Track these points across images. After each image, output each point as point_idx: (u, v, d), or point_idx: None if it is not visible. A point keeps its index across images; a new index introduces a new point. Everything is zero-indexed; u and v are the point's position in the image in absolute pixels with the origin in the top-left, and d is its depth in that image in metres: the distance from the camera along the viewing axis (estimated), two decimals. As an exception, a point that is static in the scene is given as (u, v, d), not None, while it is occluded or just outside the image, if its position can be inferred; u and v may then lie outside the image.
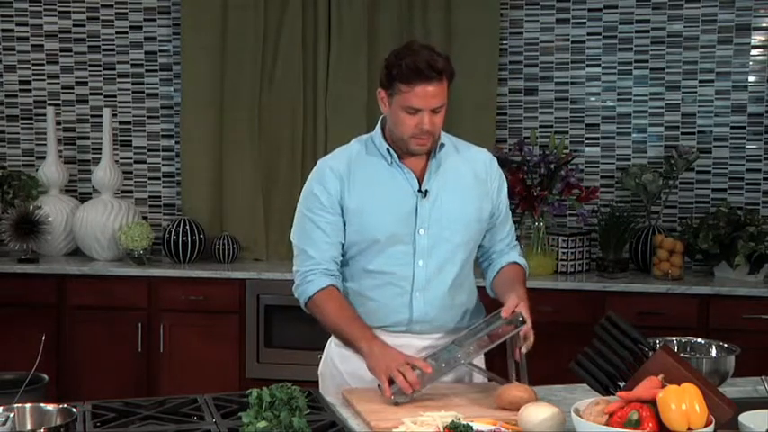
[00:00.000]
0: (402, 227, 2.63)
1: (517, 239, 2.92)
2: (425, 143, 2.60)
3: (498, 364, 2.75)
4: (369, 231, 2.64)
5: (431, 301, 2.66)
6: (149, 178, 5.26)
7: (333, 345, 2.78)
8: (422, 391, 2.44)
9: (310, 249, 2.68)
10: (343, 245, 2.68)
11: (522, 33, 4.98)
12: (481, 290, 2.84)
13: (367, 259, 2.66)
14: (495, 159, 2.81)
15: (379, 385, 2.50)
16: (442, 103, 2.57)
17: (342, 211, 2.65)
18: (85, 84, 5.23)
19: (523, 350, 2.52)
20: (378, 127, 2.71)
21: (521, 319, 2.50)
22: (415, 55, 2.54)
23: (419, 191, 2.64)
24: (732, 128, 4.85)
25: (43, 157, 5.12)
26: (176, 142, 5.20)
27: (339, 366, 2.73)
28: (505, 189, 2.80)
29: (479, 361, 2.67)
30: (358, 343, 2.56)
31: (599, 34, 4.93)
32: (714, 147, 4.87)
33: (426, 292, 2.65)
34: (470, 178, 2.70)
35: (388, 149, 2.65)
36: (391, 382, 2.43)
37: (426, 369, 2.44)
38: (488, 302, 2.81)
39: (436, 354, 2.53)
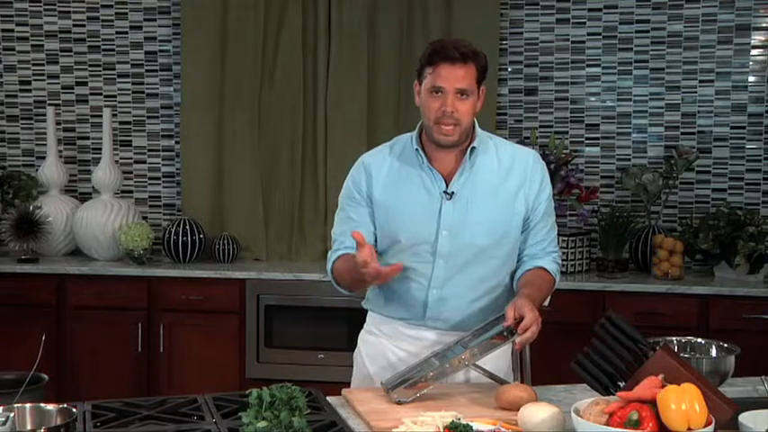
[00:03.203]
0: (425, 228, 2.65)
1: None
2: (450, 131, 2.59)
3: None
4: (393, 231, 2.68)
5: (447, 299, 2.67)
6: (149, 178, 5.26)
7: (363, 332, 2.87)
8: (425, 391, 2.44)
9: (342, 237, 2.73)
10: (375, 235, 2.71)
11: (522, 33, 4.98)
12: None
13: (391, 254, 2.71)
14: (542, 161, 2.77)
15: (382, 382, 2.51)
16: (468, 87, 2.57)
17: (371, 202, 2.71)
18: (85, 84, 5.23)
19: (515, 340, 2.46)
20: (417, 126, 2.74)
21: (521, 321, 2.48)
22: (444, 40, 2.64)
23: (445, 192, 2.65)
24: (732, 128, 4.85)
25: (43, 157, 5.12)
26: (176, 142, 5.20)
27: (362, 353, 2.83)
28: (548, 191, 2.75)
29: (480, 361, 2.67)
30: (356, 272, 2.57)
31: (599, 34, 4.93)
32: (714, 147, 4.87)
33: (443, 289, 2.67)
34: (504, 181, 2.68)
35: (417, 150, 2.68)
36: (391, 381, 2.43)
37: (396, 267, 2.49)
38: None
39: (441, 354, 2.53)
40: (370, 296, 2.84)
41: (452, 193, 2.65)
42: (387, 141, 2.81)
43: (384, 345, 2.77)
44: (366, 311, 2.87)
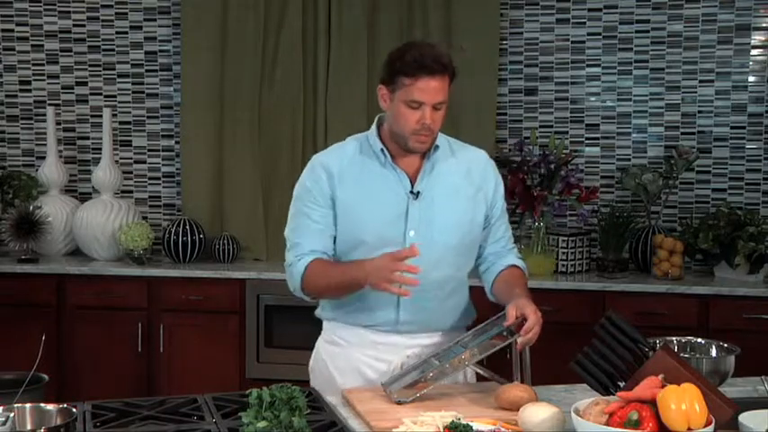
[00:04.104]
0: (392, 228, 2.62)
1: (515, 240, 2.91)
2: (425, 140, 2.59)
3: (498, 365, 2.75)
4: (357, 232, 2.63)
5: (418, 302, 2.64)
6: (149, 178, 5.26)
7: (322, 342, 2.80)
8: (425, 391, 2.44)
9: (299, 239, 2.67)
10: (335, 239, 2.66)
11: (522, 33, 4.98)
12: (476, 290, 2.83)
13: (353, 257, 2.65)
14: (492, 160, 2.79)
15: (382, 383, 2.50)
16: (444, 99, 2.57)
17: (333, 204, 2.64)
18: (85, 84, 5.23)
19: (518, 340, 2.47)
20: (374, 126, 2.70)
21: (523, 323, 2.47)
22: (420, 49, 2.55)
23: (411, 192, 2.63)
24: (732, 128, 4.85)
25: (43, 157, 5.12)
26: (176, 142, 5.20)
27: (327, 362, 2.75)
28: (502, 190, 2.78)
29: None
30: (353, 276, 2.55)
31: (599, 34, 4.93)
32: (714, 147, 4.87)
33: (414, 293, 2.63)
34: (464, 180, 2.69)
35: (382, 149, 2.64)
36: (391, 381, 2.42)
37: (413, 254, 2.42)
38: (486, 305, 2.81)
39: (441, 354, 2.53)
40: (327, 305, 2.76)
41: (418, 192, 2.63)
42: None
43: (353, 355, 2.69)
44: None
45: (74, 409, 2.11)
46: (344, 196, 2.63)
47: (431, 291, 2.65)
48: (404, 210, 2.63)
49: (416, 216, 2.62)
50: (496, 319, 2.55)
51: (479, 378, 2.69)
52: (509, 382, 2.50)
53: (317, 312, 2.81)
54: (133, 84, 5.22)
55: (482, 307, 2.86)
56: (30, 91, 5.25)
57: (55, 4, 5.19)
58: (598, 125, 4.97)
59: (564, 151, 4.79)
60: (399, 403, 2.40)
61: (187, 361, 4.66)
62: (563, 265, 4.70)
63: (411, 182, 2.64)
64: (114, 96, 5.22)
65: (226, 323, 4.67)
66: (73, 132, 5.26)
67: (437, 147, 2.65)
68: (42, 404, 2.12)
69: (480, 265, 2.82)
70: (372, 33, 4.92)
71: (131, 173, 5.24)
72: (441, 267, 2.65)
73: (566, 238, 4.70)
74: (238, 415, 2.12)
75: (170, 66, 5.18)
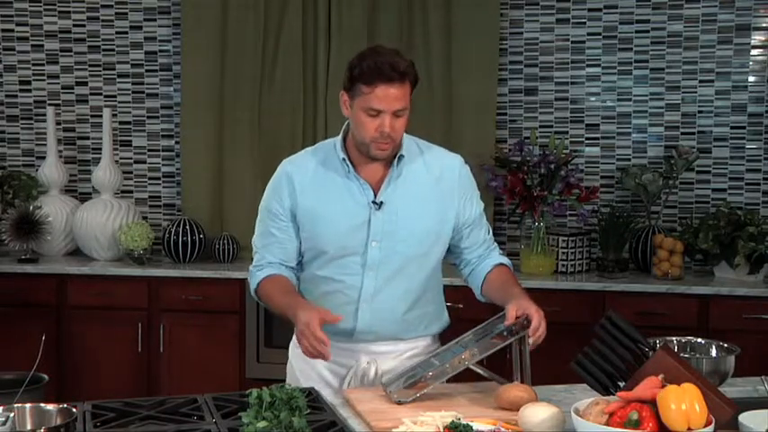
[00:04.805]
0: (353, 239, 2.60)
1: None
2: (386, 148, 2.55)
3: (498, 364, 2.75)
4: (319, 242, 2.63)
5: (377, 312, 2.64)
6: (149, 178, 5.26)
7: (292, 343, 2.80)
8: (425, 391, 2.43)
9: (261, 249, 2.73)
10: (299, 248, 2.69)
11: (522, 33, 4.98)
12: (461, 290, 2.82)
13: (318, 266, 2.67)
14: (467, 166, 2.75)
15: (382, 383, 2.51)
16: (405, 106, 2.52)
17: (294, 217, 2.65)
18: (85, 84, 5.23)
19: (530, 342, 2.48)
20: (341, 132, 2.67)
21: (525, 323, 2.48)
22: (378, 56, 2.51)
23: (374, 202, 2.60)
24: (732, 128, 4.85)
25: (43, 157, 5.12)
26: (176, 142, 5.20)
27: (293, 364, 2.80)
28: (477, 195, 2.75)
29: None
30: (289, 313, 2.56)
31: (599, 34, 4.93)
32: (714, 147, 4.87)
33: (373, 303, 2.63)
34: (433, 189, 2.65)
35: (344, 159, 2.61)
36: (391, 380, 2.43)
37: (335, 320, 2.45)
38: (476, 306, 2.81)
39: (440, 355, 2.53)
40: None
41: (381, 202, 2.60)
42: None
43: (311, 359, 2.64)
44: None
45: (74, 409, 2.10)
46: (306, 207, 2.63)
47: (393, 301, 2.64)
48: (365, 220, 2.60)
49: (379, 227, 2.60)
50: (496, 319, 2.55)
51: (479, 378, 2.68)
52: (509, 382, 2.50)
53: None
54: (133, 84, 5.22)
55: (479, 306, 2.86)
56: (30, 91, 5.25)
57: (55, 4, 5.19)
58: (598, 125, 4.97)
59: (564, 151, 4.79)
60: (399, 403, 2.40)
61: (187, 361, 4.66)
62: (563, 265, 4.70)
63: (374, 192, 2.61)
64: (114, 96, 5.22)
65: (226, 323, 4.67)
66: (73, 132, 5.26)
67: (401, 156, 2.61)
68: (42, 404, 2.12)
69: (464, 268, 2.80)
70: (372, 33, 4.91)
71: (131, 173, 5.24)
72: (403, 278, 2.64)
73: (566, 238, 4.70)
74: (238, 415, 2.12)
75: (170, 66, 5.18)
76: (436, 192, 2.65)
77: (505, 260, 2.78)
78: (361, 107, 2.52)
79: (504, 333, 2.48)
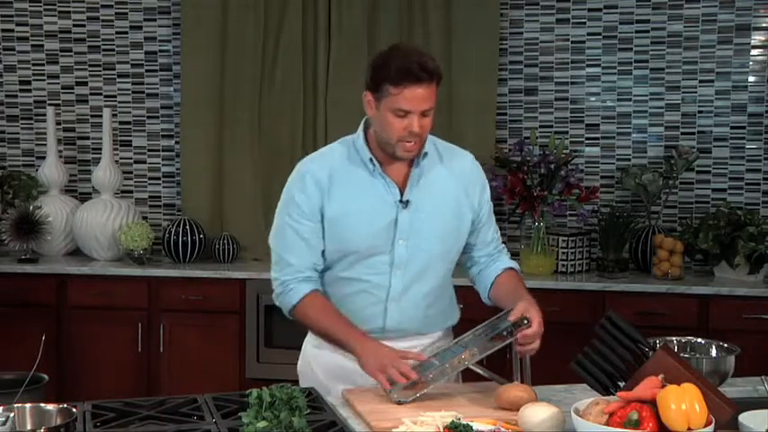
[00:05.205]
0: (381, 238, 2.60)
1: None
2: (413, 148, 2.55)
3: (498, 365, 2.75)
4: (347, 242, 2.61)
5: (405, 310, 2.64)
6: (149, 178, 5.26)
7: (308, 345, 2.78)
8: (425, 391, 2.43)
9: (290, 257, 2.64)
10: (323, 252, 2.64)
11: (522, 33, 4.98)
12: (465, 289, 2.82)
13: (343, 267, 2.64)
14: (478, 163, 2.76)
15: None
16: (432, 105, 2.52)
17: (321, 218, 2.61)
18: (85, 84, 5.23)
19: (525, 352, 2.50)
20: (360, 131, 2.66)
21: (525, 321, 2.48)
22: (405, 56, 2.50)
23: (400, 201, 2.60)
24: (732, 128, 4.85)
25: (43, 157, 5.12)
26: (176, 142, 5.20)
27: (314, 367, 2.74)
28: (488, 192, 2.77)
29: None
30: (348, 343, 2.54)
31: (599, 34, 4.93)
32: (714, 147, 4.87)
33: (401, 302, 2.64)
34: (452, 187, 2.66)
35: (371, 159, 2.61)
36: (391, 380, 2.43)
37: (419, 358, 2.44)
38: (477, 306, 2.81)
39: (440, 355, 2.52)
40: None
41: (407, 201, 2.60)
42: None
43: (338, 358, 2.64)
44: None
45: (74, 409, 2.10)
46: (334, 207, 2.60)
47: (418, 298, 2.65)
48: (393, 219, 2.60)
49: (406, 225, 2.60)
50: (496, 319, 2.55)
51: (479, 378, 2.68)
52: (509, 381, 2.50)
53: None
54: (133, 84, 5.22)
55: (480, 306, 2.86)
56: (30, 91, 5.25)
57: (55, 4, 5.19)
58: (598, 125, 4.97)
59: (564, 151, 4.79)
60: (399, 403, 2.40)
61: (187, 361, 4.66)
62: (563, 265, 4.70)
63: (400, 190, 2.62)
64: (114, 96, 5.22)
65: (226, 323, 4.67)
66: (73, 132, 5.26)
67: (426, 154, 2.62)
68: (42, 404, 2.12)
69: (471, 267, 2.80)
70: (372, 33, 4.92)
71: (131, 173, 5.24)
72: (428, 275, 2.65)
73: (566, 238, 4.70)
74: (238, 415, 2.12)
75: (170, 66, 5.18)
76: (455, 188, 2.67)
77: (515, 264, 2.78)
78: (388, 108, 2.51)
79: (504, 333, 2.48)
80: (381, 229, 2.60)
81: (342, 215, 2.60)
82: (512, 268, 2.76)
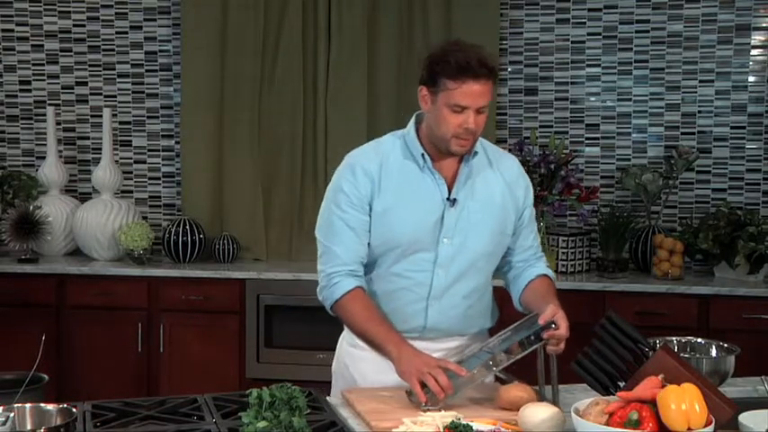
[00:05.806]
0: (426, 234, 2.58)
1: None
2: (467, 144, 2.53)
3: (522, 369, 2.67)
4: (393, 236, 2.58)
5: (446, 310, 2.63)
6: (149, 178, 5.26)
7: (344, 345, 2.76)
8: (454, 398, 2.37)
9: (338, 248, 2.60)
10: (369, 245, 2.62)
11: (522, 33, 4.98)
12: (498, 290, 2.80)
13: (387, 263, 2.62)
14: (522, 166, 2.76)
15: (407, 391, 2.42)
16: (488, 103, 2.51)
17: (369, 210, 2.59)
18: (85, 84, 5.23)
19: (551, 352, 2.43)
20: (411, 125, 2.64)
21: (553, 326, 2.43)
22: (465, 51, 2.48)
23: (448, 199, 2.59)
24: (732, 128, 4.85)
25: (43, 157, 5.12)
26: (176, 142, 5.20)
27: (349, 367, 2.72)
28: (531, 196, 2.74)
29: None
30: (386, 347, 2.50)
31: (599, 34, 4.93)
32: (714, 147, 4.87)
33: (442, 300, 2.62)
34: (499, 189, 2.64)
35: (422, 155, 2.59)
36: (423, 385, 2.36)
37: (460, 372, 2.37)
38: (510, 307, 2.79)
39: (466, 361, 2.45)
40: None
41: (455, 199, 2.59)
42: None
43: (376, 358, 2.59)
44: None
45: (74, 409, 2.11)
46: (383, 201, 2.58)
47: (459, 298, 2.64)
48: (439, 216, 2.58)
49: (452, 223, 2.58)
50: (521, 325, 2.48)
51: (495, 379, 2.64)
52: (514, 381, 2.45)
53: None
54: (133, 84, 5.22)
55: (504, 309, 2.84)
56: (30, 91, 5.25)
57: (55, 4, 5.19)
58: (598, 125, 4.97)
59: (564, 151, 4.79)
60: (426, 410, 2.31)
61: (187, 361, 4.66)
62: (563, 265, 4.70)
63: (448, 188, 2.60)
64: (114, 96, 5.22)
65: (226, 323, 4.67)
66: (73, 132, 5.26)
67: (476, 153, 2.60)
68: (42, 404, 2.12)
69: (508, 272, 2.76)
70: (372, 33, 4.92)
71: (131, 173, 5.24)
72: (470, 275, 2.63)
73: (566, 238, 4.70)
74: (238, 415, 2.12)
75: (170, 66, 5.18)
76: (501, 190, 2.65)
77: (550, 272, 2.74)
78: (445, 103, 2.49)
79: (532, 337, 2.42)
80: (427, 225, 2.58)
81: (390, 208, 2.58)
82: (545, 275, 2.72)
